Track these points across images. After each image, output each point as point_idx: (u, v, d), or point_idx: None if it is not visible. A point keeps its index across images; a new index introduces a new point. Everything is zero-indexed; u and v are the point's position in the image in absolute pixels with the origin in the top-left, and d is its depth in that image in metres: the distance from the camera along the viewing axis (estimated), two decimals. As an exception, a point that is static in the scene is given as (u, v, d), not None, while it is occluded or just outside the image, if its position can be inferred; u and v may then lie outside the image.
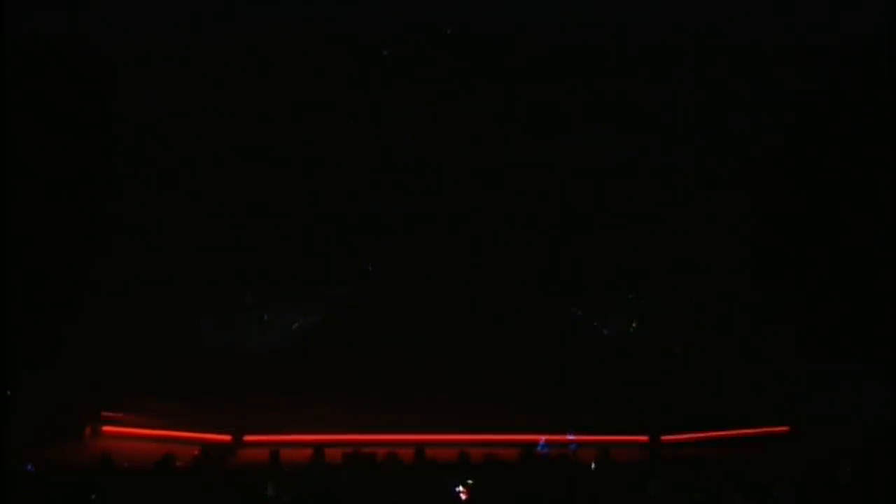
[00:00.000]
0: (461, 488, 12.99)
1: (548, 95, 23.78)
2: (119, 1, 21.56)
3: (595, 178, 23.73)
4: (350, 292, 23.53)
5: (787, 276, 22.59)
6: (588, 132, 23.89)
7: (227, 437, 18.23)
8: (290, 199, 23.59)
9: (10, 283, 19.76)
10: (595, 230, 23.72)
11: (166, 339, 21.94)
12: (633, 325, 23.15)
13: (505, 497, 12.89)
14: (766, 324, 22.31)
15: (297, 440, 17.54)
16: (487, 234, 23.92)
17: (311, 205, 23.68)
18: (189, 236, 22.96)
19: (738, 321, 22.58)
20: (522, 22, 23.22)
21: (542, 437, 16.73)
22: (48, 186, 21.54)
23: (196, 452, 15.86)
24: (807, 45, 22.30)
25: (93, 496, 12.71)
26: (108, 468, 14.20)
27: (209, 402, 19.45)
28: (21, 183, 20.72)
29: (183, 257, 22.87)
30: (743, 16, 22.04)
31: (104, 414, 19.26)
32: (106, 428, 19.03)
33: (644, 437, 18.36)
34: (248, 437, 18.26)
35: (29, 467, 13.93)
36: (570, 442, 17.03)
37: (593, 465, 15.20)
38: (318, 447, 15.41)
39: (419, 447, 15.80)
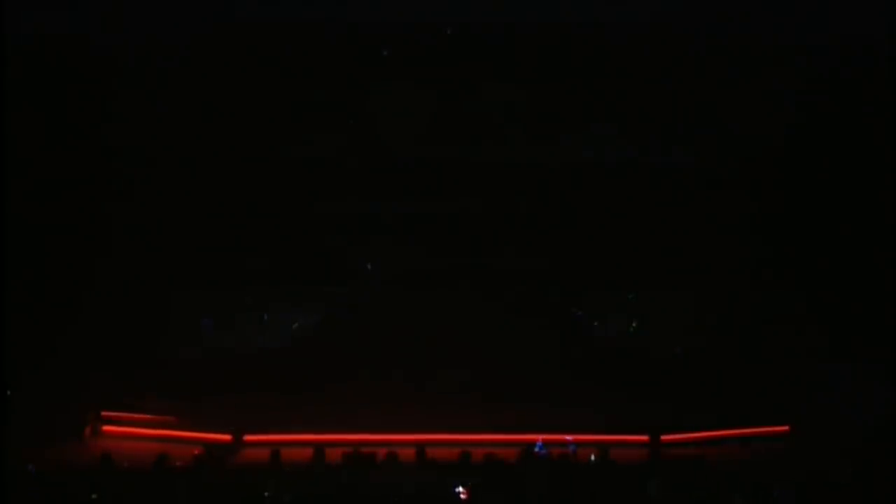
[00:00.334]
0: (461, 489, 13.00)
1: (548, 95, 23.79)
2: (119, 1, 21.58)
3: (595, 178, 23.74)
4: (350, 292, 23.53)
5: (787, 276, 22.60)
6: (588, 132, 23.90)
7: (227, 437, 18.22)
8: (290, 199, 23.60)
9: (11, 283, 19.77)
10: (595, 230, 23.73)
11: (166, 339, 21.93)
12: (633, 325, 23.14)
13: (505, 497, 12.89)
14: (766, 324, 22.30)
15: (298, 440, 17.53)
16: (487, 234, 23.93)
17: (311, 205, 23.70)
18: (189, 236, 22.98)
19: (739, 321, 22.57)
20: (522, 22, 23.24)
21: (540, 438, 16.73)
22: (48, 187, 21.55)
23: (196, 452, 15.85)
24: (807, 45, 22.31)
25: (93, 496, 12.72)
26: (108, 468, 14.20)
27: (209, 401, 19.43)
28: (21, 183, 20.73)
29: (183, 257, 22.88)
30: (743, 16, 22.05)
31: (104, 414, 19.25)
32: (106, 428, 19.01)
33: (644, 437, 18.35)
34: (248, 437, 18.24)
35: (29, 467, 13.94)
36: (570, 443, 17.02)
37: (593, 458, 15.21)
38: (319, 447, 15.40)
39: (419, 447, 15.79)
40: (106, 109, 22.58)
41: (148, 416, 19.16)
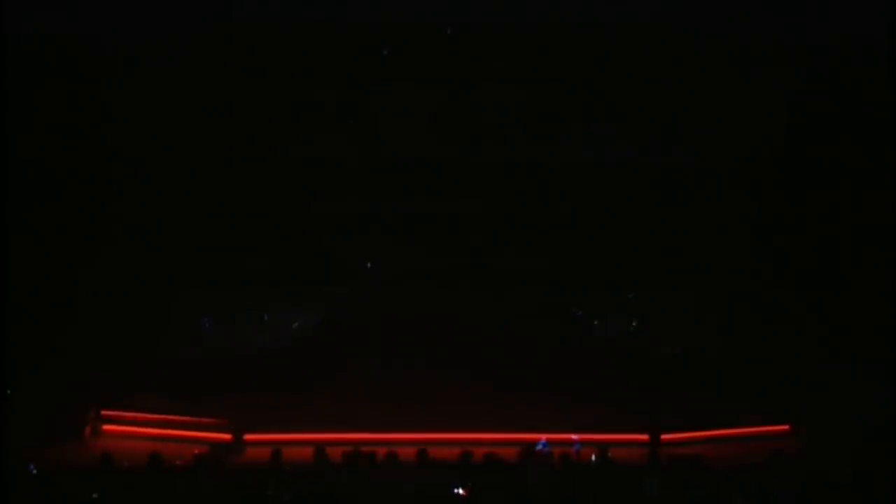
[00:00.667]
0: (460, 491, 12.99)
1: (548, 95, 23.79)
2: (118, 2, 21.58)
3: (595, 178, 23.74)
4: (350, 292, 23.54)
5: (787, 275, 22.61)
6: (588, 132, 23.90)
7: (227, 437, 18.23)
8: (289, 199, 23.61)
9: (11, 283, 19.77)
10: (595, 230, 23.74)
11: (166, 339, 21.95)
12: (633, 325, 23.15)
13: (505, 497, 12.88)
14: (766, 324, 22.31)
15: (298, 439, 17.54)
16: (487, 234, 23.94)
17: (310, 205, 23.71)
18: (189, 236, 22.99)
19: (739, 321, 22.58)
20: (522, 22, 23.25)
21: (543, 437, 16.73)
22: (48, 187, 21.55)
23: (196, 452, 15.85)
24: (807, 45, 22.31)
25: (93, 496, 12.70)
26: (108, 468, 14.18)
27: (209, 401, 19.45)
28: (21, 183, 20.73)
29: (183, 257, 22.89)
30: (743, 16, 22.05)
31: (104, 414, 19.26)
32: (106, 428, 19.02)
33: (644, 437, 18.36)
34: (248, 437, 18.25)
35: (30, 467, 13.92)
36: (574, 441, 17.02)
37: (593, 458, 15.20)
38: (319, 446, 15.38)
39: (419, 446, 15.76)
40: (106, 109, 22.57)
41: (148, 415, 19.18)
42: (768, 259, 22.94)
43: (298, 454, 15.32)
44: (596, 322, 23.32)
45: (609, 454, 15.12)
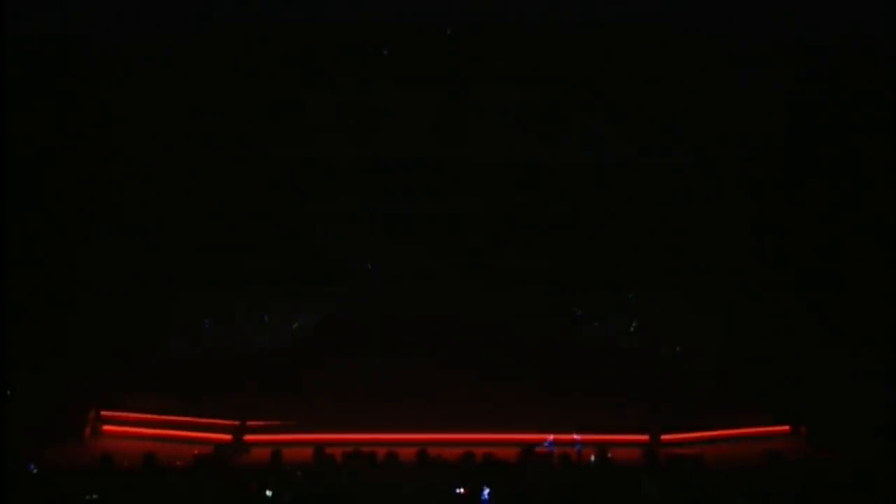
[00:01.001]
0: (461, 490, 12.99)
1: (548, 95, 23.76)
2: (118, 2, 21.57)
3: (595, 179, 23.73)
4: (350, 292, 23.53)
5: (788, 275, 22.59)
6: (588, 132, 23.87)
7: (227, 437, 18.23)
8: (289, 199, 23.59)
9: (11, 283, 19.76)
10: (595, 230, 23.72)
11: (166, 339, 21.94)
12: (633, 325, 23.15)
13: (505, 497, 12.89)
14: (766, 323, 22.29)
15: (298, 439, 17.55)
16: (487, 234, 23.92)
17: (310, 205, 23.69)
18: (189, 236, 22.97)
19: (739, 321, 22.57)
20: (522, 22, 23.22)
21: (551, 436, 16.74)
22: (47, 187, 21.53)
23: (196, 452, 15.87)
24: (807, 45, 22.29)
25: (93, 496, 12.71)
26: (108, 468, 14.19)
27: (209, 401, 19.46)
28: (20, 184, 20.72)
29: (183, 257, 22.88)
30: (743, 16, 22.03)
31: (104, 414, 19.27)
32: (106, 428, 19.03)
33: (644, 437, 18.36)
34: (248, 437, 18.26)
35: (30, 467, 13.93)
36: (577, 442, 17.03)
37: (592, 458, 15.22)
38: (319, 446, 15.41)
39: (419, 447, 15.78)
40: (105, 109, 22.56)
41: (148, 416, 19.19)
42: (768, 259, 22.91)
43: (298, 454, 15.34)
44: (596, 322, 23.31)
45: (609, 454, 15.15)
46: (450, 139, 23.84)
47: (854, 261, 21.73)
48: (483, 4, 22.67)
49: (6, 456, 15.03)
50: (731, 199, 23.46)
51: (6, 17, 19.74)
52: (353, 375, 20.59)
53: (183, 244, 22.90)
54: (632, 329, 23.05)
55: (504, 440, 17.29)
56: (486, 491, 12.73)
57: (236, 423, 18.77)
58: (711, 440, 18.71)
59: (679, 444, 18.36)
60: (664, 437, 18.54)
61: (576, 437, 17.15)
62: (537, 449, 15.71)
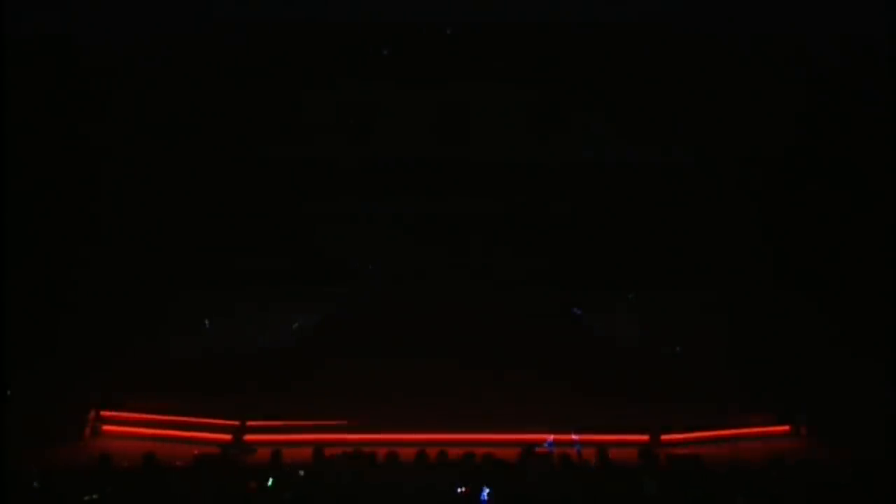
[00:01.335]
0: (461, 490, 12.99)
1: (548, 95, 23.76)
2: (118, 2, 21.56)
3: (595, 178, 23.72)
4: (350, 292, 23.53)
5: (788, 275, 22.59)
6: (588, 132, 23.87)
7: (227, 437, 18.24)
8: (289, 199, 23.60)
9: (10, 283, 19.76)
10: (595, 230, 23.72)
11: (166, 339, 21.95)
12: (633, 325, 23.14)
13: (505, 497, 12.88)
14: (766, 323, 22.29)
15: (298, 439, 17.56)
16: (487, 234, 23.93)
17: (310, 205, 23.70)
18: (189, 236, 22.98)
19: (739, 320, 22.57)
20: (522, 22, 23.21)
21: (551, 436, 16.74)
22: (46, 188, 21.53)
23: (196, 452, 15.87)
24: (807, 45, 22.28)
25: (93, 496, 12.70)
26: (108, 468, 14.18)
27: (209, 401, 19.47)
28: (19, 184, 20.72)
29: (183, 257, 22.88)
30: (743, 16, 22.02)
31: (104, 414, 19.27)
32: (106, 428, 19.03)
33: (644, 437, 18.36)
34: (248, 437, 18.26)
35: (30, 467, 13.92)
36: (576, 442, 17.03)
37: (592, 461, 15.20)
38: (319, 447, 15.41)
39: (420, 447, 15.77)
40: (105, 109, 22.56)
41: (148, 416, 19.19)
42: (769, 259, 22.91)
43: (298, 454, 15.35)
44: (596, 322, 23.31)
45: (609, 454, 15.14)
46: (450, 139, 23.84)
47: (855, 261, 21.73)
48: (483, 4, 22.66)
49: (6, 456, 15.02)
50: (732, 198, 23.45)
51: (6, 17, 19.74)
52: (353, 375, 20.61)
53: (183, 244, 22.91)
54: (631, 329, 23.03)
55: (504, 440, 17.30)
56: (486, 491, 12.72)
57: (236, 423, 18.78)
58: (711, 440, 18.71)
59: (679, 444, 18.36)
60: (664, 437, 18.54)
61: (574, 437, 17.15)
62: (537, 449, 15.69)
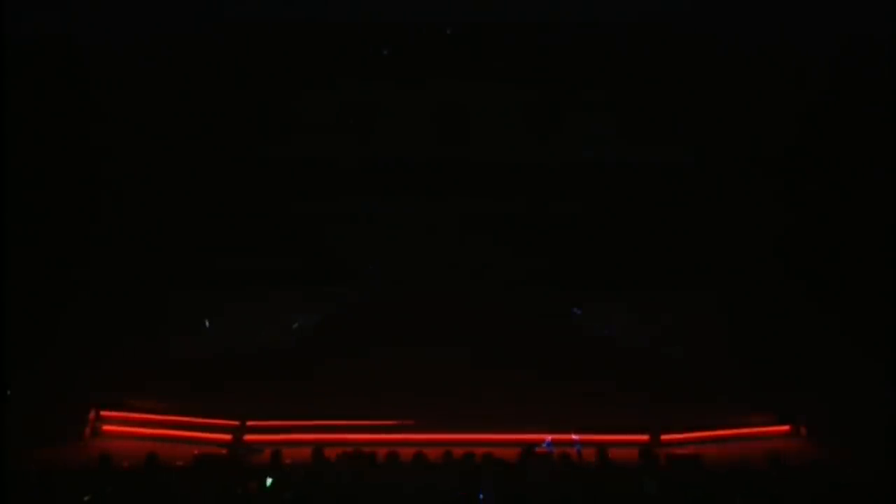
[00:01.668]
0: (461, 490, 13.00)
1: (548, 95, 23.76)
2: (118, 2, 21.57)
3: (595, 179, 23.72)
4: (350, 292, 23.53)
5: (788, 275, 22.59)
6: (588, 132, 23.86)
7: (227, 437, 18.23)
8: (289, 199, 23.60)
9: (10, 283, 19.76)
10: (595, 230, 23.72)
11: (166, 339, 21.93)
12: (633, 325, 23.14)
13: (505, 497, 12.90)
14: (767, 323, 22.28)
15: (298, 439, 17.56)
16: (488, 234, 23.93)
17: (310, 204, 23.70)
18: (189, 236, 22.98)
19: (739, 320, 22.56)
20: (522, 22, 23.22)
21: (549, 437, 16.72)
22: (45, 188, 21.53)
23: (196, 452, 15.88)
24: (807, 45, 22.28)
25: (93, 496, 12.72)
26: (108, 468, 14.19)
27: (209, 401, 19.47)
28: (19, 184, 20.73)
29: (183, 257, 22.88)
30: (744, 15, 22.02)
31: (104, 414, 19.27)
32: (106, 428, 19.03)
33: (644, 437, 18.36)
34: (248, 437, 18.26)
35: (30, 467, 13.94)
36: (576, 442, 17.00)
37: (592, 461, 15.21)
38: (318, 447, 15.43)
39: (419, 447, 15.79)
40: (105, 109, 22.56)
41: (148, 416, 19.19)
42: (769, 259, 22.91)
43: (298, 454, 15.36)
44: (596, 322, 23.30)
45: (609, 454, 15.14)
46: (450, 139, 23.84)
47: (855, 261, 21.72)
48: (483, 4, 22.66)
49: (6, 456, 15.02)
50: (732, 198, 23.45)
51: (6, 17, 19.74)
52: (353, 376, 20.60)
53: (183, 244, 22.91)
54: (631, 329, 23.01)
55: (504, 440, 17.29)
56: (486, 491, 12.73)
57: (236, 423, 18.77)
58: (711, 440, 18.70)
59: (679, 444, 18.36)
60: (664, 437, 18.53)
61: (574, 437, 17.12)
62: (537, 449, 15.68)
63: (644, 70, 23.49)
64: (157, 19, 21.96)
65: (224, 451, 16.51)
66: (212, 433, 18.55)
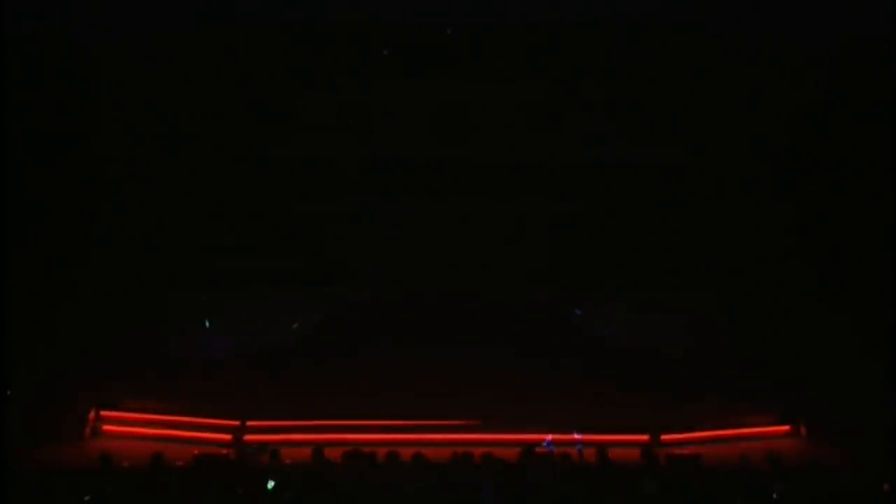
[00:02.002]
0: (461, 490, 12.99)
1: (548, 95, 23.76)
2: (118, 2, 21.58)
3: (595, 178, 23.72)
4: (350, 292, 23.53)
5: (788, 275, 22.59)
6: (588, 132, 23.86)
7: (227, 437, 18.24)
8: (289, 199, 23.60)
9: (10, 283, 19.77)
10: (595, 230, 23.72)
11: (166, 339, 21.93)
12: (633, 326, 23.14)
13: (505, 497, 12.91)
14: (767, 323, 22.28)
15: (298, 439, 17.56)
16: (488, 233, 23.93)
17: (310, 204, 23.70)
18: (189, 236, 22.99)
19: (740, 320, 22.56)
20: (523, 22, 23.23)
21: (549, 436, 16.74)
22: (47, 187, 21.54)
23: (196, 452, 15.89)
24: (808, 45, 22.29)
25: (93, 496, 12.72)
26: (108, 468, 14.20)
27: (209, 401, 19.46)
28: (20, 184, 20.74)
29: (183, 257, 22.89)
30: (744, 15, 22.03)
31: (104, 414, 19.27)
32: (106, 428, 19.03)
33: (644, 437, 18.36)
34: (248, 437, 18.27)
35: (30, 467, 13.95)
36: (577, 441, 17.01)
37: (592, 461, 15.23)
38: (318, 447, 15.44)
39: (419, 447, 15.82)
40: (105, 109, 22.57)
41: (148, 416, 19.19)
42: (769, 258, 22.92)
43: (298, 454, 15.37)
44: (596, 322, 23.30)
45: (609, 454, 15.16)
46: (450, 139, 23.84)
47: (855, 261, 21.73)
48: (483, 4, 22.68)
49: (6, 456, 15.03)
50: (732, 198, 23.45)
51: (6, 16, 19.75)
52: (353, 376, 20.60)
53: (183, 244, 22.91)
54: (632, 330, 23.01)
55: (504, 440, 17.30)
56: (486, 491, 12.74)
57: (236, 423, 18.78)
58: (711, 440, 18.71)
59: (679, 444, 18.36)
60: (664, 437, 18.54)
61: (575, 437, 17.13)
62: (537, 449, 15.70)
63: (644, 70, 23.49)
64: (156, 19, 21.98)
65: (224, 451, 16.53)
66: (212, 433, 18.55)
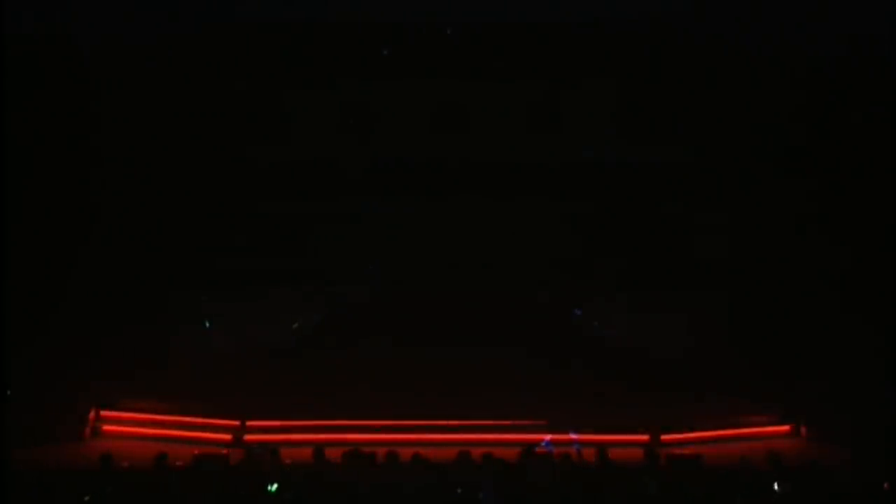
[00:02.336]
0: (460, 490, 12.98)
1: (548, 95, 23.76)
2: (119, 2, 21.57)
3: (595, 178, 23.72)
4: (350, 292, 23.53)
5: (788, 275, 22.59)
6: (588, 132, 23.85)
7: (227, 437, 18.24)
8: (289, 199, 23.60)
9: (10, 283, 19.76)
10: (595, 230, 23.72)
11: (166, 339, 21.93)
12: (633, 326, 23.14)
13: (505, 497, 12.89)
14: (767, 323, 22.28)
15: (298, 440, 17.56)
16: (488, 233, 23.92)
17: (310, 204, 23.69)
18: (189, 236, 22.98)
19: (740, 320, 22.56)
20: (523, 22, 23.22)
21: (548, 437, 16.72)
22: (47, 187, 21.54)
23: (196, 452, 15.87)
24: (808, 45, 22.28)
25: (93, 496, 12.71)
26: (108, 468, 14.19)
27: (209, 401, 19.47)
28: (19, 184, 20.73)
29: (183, 257, 22.88)
30: (745, 15, 22.01)
31: (104, 414, 19.27)
32: (106, 428, 19.03)
33: (644, 437, 18.36)
34: (248, 437, 18.27)
35: (30, 467, 13.93)
36: (575, 441, 17.00)
37: (592, 462, 15.20)
38: (319, 446, 15.43)
39: (419, 447, 15.79)
40: (105, 109, 22.56)
41: (148, 416, 19.19)
42: (769, 258, 22.91)
43: (298, 454, 15.36)
44: (596, 322, 23.30)
45: (609, 454, 15.14)
46: (450, 139, 23.84)
47: (855, 261, 21.72)
48: (483, 4, 22.67)
49: (6, 456, 15.02)
50: (732, 198, 23.45)
51: (6, 16, 19.74)
52: (353, 375, 20.61)
53: (183, 244, 22.90)
54: (632, 330, 23.01)
55: (504, 440, 17.30)
56: (486, 491, 12.73)
57: (236, 422, 18.78)
58: (711, 440, 18.71)
59: (679, 444, 18.36)
60: (664, 437, 18.54)
61: (573, 437, 17.13)
62: (537, 449, 15.69)
63: (644, 70, 23.49)
64: (157, 19, 21.97)
65: (225, 451, 16.51)
66: (212, 433, 18.56)
